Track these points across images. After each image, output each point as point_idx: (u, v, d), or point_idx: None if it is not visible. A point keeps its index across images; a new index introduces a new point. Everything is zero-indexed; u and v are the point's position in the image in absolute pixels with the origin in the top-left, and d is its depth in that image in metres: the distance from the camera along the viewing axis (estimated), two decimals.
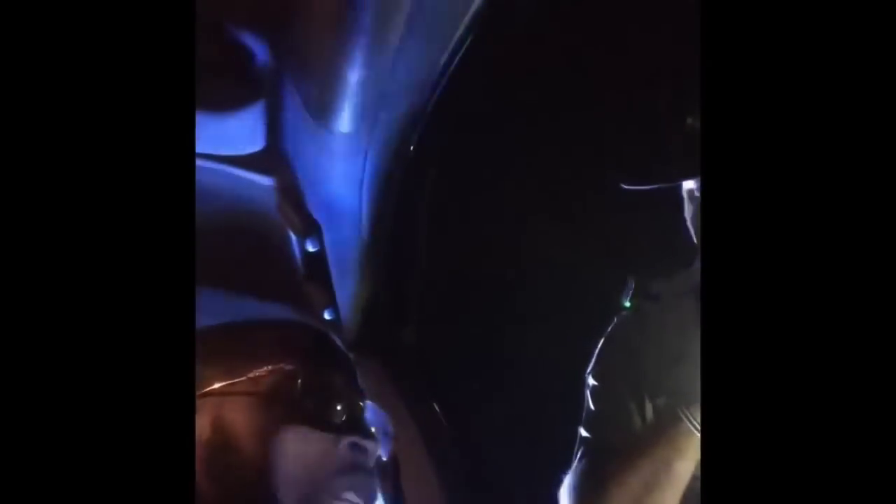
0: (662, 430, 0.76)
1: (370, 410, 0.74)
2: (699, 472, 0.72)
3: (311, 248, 0.92)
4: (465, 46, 0.72)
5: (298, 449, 0.64)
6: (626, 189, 0.81)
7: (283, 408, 0.66)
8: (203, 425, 0.65)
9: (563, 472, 0.81)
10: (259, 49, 0.78)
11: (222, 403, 0.67)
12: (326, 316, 1.00)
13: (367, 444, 0.67)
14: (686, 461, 0.73)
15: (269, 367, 0.68)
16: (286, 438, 0.64)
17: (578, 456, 0.82)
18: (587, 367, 0.85)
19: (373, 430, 0.70)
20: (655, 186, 0.80)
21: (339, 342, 0.75)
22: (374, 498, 0.68)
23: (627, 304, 0.86)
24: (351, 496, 0.65)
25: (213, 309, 0.77)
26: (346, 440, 0.66)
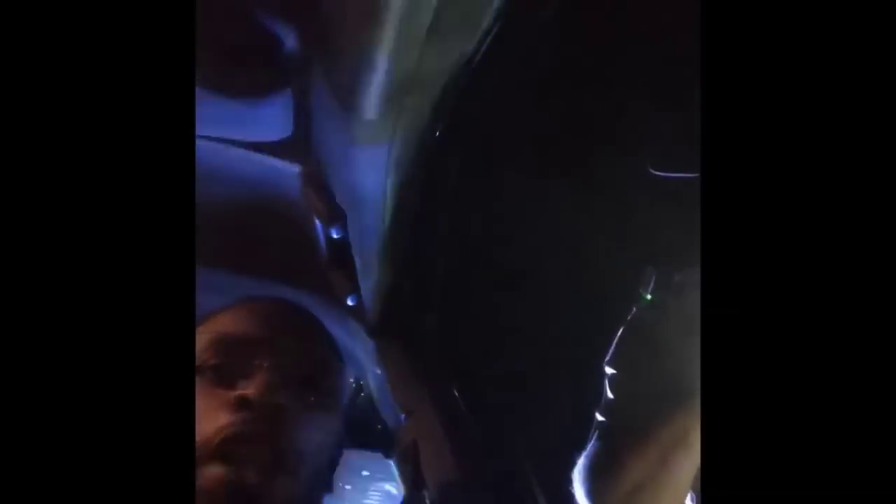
0: (679, 402, 0.76)
1: (383, 399, 0.78)
2: None
3: (335, 235, 0.92)
4: (492, 35, 0.72)
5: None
6: (652, 175, 0.80)
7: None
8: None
9: (577, 453, 0.82)
10: (287, 36, 0.79)
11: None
12: (349, 302, 1.02)
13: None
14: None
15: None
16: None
17: (593, 438, 0.82)
18: (605, 356, 0.85)
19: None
20: (683, 175, 0.80)
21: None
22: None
23: (648, 295, 0.85)
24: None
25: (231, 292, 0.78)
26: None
